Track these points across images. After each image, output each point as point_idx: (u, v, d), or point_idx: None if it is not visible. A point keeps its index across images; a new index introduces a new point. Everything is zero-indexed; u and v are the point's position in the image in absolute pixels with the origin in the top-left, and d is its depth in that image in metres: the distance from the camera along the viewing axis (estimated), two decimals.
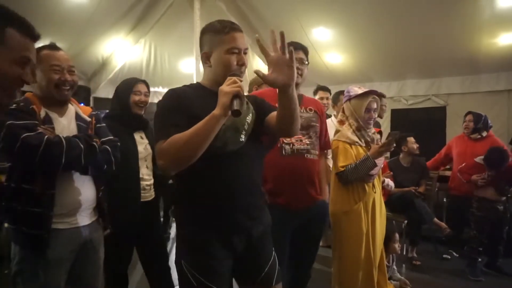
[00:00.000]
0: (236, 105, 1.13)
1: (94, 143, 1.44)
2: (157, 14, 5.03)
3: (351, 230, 1.99)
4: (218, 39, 1.27)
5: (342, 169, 1.99)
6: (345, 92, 2.23)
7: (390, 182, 2.90)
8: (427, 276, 3.07)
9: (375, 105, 2.10)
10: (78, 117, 1.53)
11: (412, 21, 4.80)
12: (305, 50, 1.85)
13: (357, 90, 2.15)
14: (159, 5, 4.99)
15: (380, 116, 3.23)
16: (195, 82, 4.90)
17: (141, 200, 1.92)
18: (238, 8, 5.43)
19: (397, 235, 2.60)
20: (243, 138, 1.29)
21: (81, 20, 4.32)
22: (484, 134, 3.48)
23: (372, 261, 2.01)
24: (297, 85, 1.70)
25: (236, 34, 1.27)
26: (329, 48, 5.66)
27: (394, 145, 2.04)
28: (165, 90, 7.53)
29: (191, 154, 1.15)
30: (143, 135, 2.04)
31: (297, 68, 1.63)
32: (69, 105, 1.53)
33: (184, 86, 1.37)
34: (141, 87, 2.03)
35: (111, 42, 5.26)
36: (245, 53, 1.30)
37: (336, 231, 2.07)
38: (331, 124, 3.04)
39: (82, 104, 1.69)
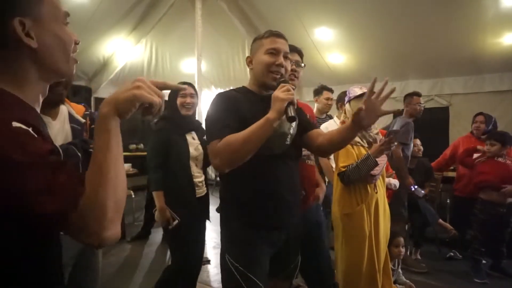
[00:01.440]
0: (291, 112, 1.24)
1: (92, 150, 1.40)
2: (158, 14, 5.02)
3: (353, 232, 1.96)
4: (259, 43, 1.43)
5: (344, 169, 1.97)
6: (346, 93, 2.22)
7: (393, 181, 2.85)
8: (432, 279, 3.03)
9: None
10: (71, 118, 1.46)
11: (415, 20, 4.76)
12: (300, 53, 1.86)
13: (356, 91, 2.14)
14: (161, 5, 4.99)
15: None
16: (196, 81, 4.92)
17: (197, 196, 2.07)
18: (239, 8, 5.41)
19: (401, 239, 2.57)
20: (288, 141, 1.40)
21: (82, 19, 4.30)
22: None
23: (375, 263, 1.98)
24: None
25: (276, 38, 1.40)
26: (332, 48, 5.63)
27: (396, 143, 2.01)
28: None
29: (245, 154, 1.24)
30: (195, 136, 2.16)
31: (293, 70, 1.73)
32: (61, 105, 1.45)
33: (232, 90, 1.48)
34: (188, 89, 2.12)
35: (112, 42, 5.25)
36: (285, 57, 1.40)
37: (338, 232, 2.04)
38: (334, 125, 3.01)
39: (82, 104, 1.67)
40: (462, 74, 5.58)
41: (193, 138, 2.13)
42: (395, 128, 3.31)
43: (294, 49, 1.78)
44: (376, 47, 5.41)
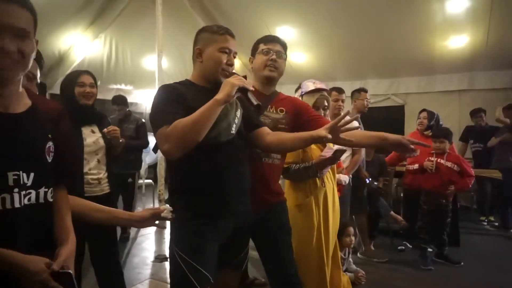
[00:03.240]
0: (253, 99, 1.31)
1: None
2: (117, 8, 4.90)
3: (302, 223, 2.02)
4: (213, 38, 1.42)
5: (286, 165, 1.99)
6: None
7: (343, 177, 2.96)
8: (384, 268, 3.19)
9: (325, 103, 2.13)
10: None
11: (373, 23, 4.96)
12: (283, 44, 1.75)
13: (309, 85, 2.17)
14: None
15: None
16: (156, 78, 4.83)
17: (87, 194, 1.88)
18: (202, 4, 5.38)
19: (351, 229, 2.68)
20: (233, 130, 1.40)
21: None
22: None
23: (323, 253, 2.05)
24: (273, 79, 1.71)
25: (230, 37, 1.44)
26: (294, 47, 5.73)
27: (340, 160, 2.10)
28: (128, 87, 7.36)
29: (195, 137, 1.25)
30: (96, 129, 2.01)
31: (274, 61, 1.67)
32: None
33: (175, 83, 1.45)
34: (85, 78, 1.99)
35: (68, 36, 5.06)
36: (234, 56, 1.45)
37: (291, 224, 2.10)
38: None
39: None
40: (416, 75, 5.88)
41: (93, 131, 1.99)
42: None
43: (277, 40, 1.73)
44: (337, 47, 5.57)
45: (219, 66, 1.40)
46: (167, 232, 4.02)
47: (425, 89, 5.84)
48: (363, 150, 3.21)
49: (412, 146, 1.38)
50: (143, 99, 7.29)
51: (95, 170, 1.96)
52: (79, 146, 1.90)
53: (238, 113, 1.45)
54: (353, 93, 3.69)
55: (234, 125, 1.41)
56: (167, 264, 3.17)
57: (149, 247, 3.74)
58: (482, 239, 4.12)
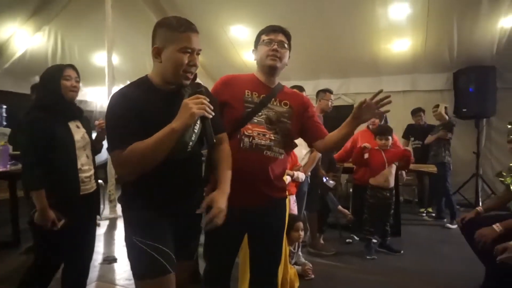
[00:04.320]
0: (210, 132, 1.29)
1: None
2: (62, 0, 4.65)
3: None
4: (173, 36, 1.28)
5: None
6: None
7: (300, 175, 3.06)
8: (333, 260, 3.34)
9: None
10: None
11: (324, 25, 5.16)
12: (286, 33, 1.67)
13: None
14: None
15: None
16: (106, 75, 4.66)
17: (82, 193, 1.88)
18: (155, 0, 5.28)
19: (300, 224, 2.78)
20: (189, 148, 1.37)
21: None
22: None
23: None
24: (275, 68, 1.63)
25: (192, 34, 1.30)
26: (248, 46, 5.79)
27: None
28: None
29: (151, 163, 1.24)
30: (79, 124, 1.97)
31: (275, 51, 1.60)
32: None
33: (131, 86, 1.35)
34: (71, 72, 1.93)
35: (5, 27, 4.72)
36: (197, 54, 1.33)
37: None
38: None
39: None
40: (365, 75, 6.19)
41: (78, 127, 1.95)
42: None
43: (279, 30, 1.65)
44: (291, 47, 5.71)
45: (180, 68, 1.28)
46: (117, 234, 3.93)
47: (373, 89, 6.00)
48: None
49: (374, 100, 1.46)
50: (93, 97, 6.99)
51: (86, 166, 1.92)
52: (70, 142, 1.86)
53: (197, 127, 1.38)
54: (318, 93, 3.86)
55: (191, 144, 1.37)
56: (116, 266, 3.09)
57: (97, 249, 3.60)
58: (421, 229, 4.45)
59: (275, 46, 1.60)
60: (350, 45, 5.47)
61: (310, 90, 6.25)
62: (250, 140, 1.57)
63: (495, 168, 5.33)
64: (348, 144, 4.33)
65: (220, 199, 1.36)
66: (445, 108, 4.79)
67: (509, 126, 2.53)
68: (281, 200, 1.73)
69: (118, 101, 1.29)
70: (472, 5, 4.41)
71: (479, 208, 2.64)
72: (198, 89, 1.32)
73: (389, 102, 1.46)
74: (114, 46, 4.67)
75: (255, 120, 1.59)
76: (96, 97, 6.90)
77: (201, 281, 1.78)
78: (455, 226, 4.19)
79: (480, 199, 5.29)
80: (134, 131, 1.24)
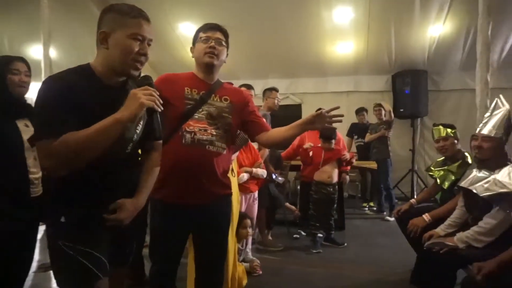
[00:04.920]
0: (156, 122, 1.20)
1: None
2: None
3: None
4: (122, 21, 1.18)
5: None
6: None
7: (260, 171, 3.08)
8: (281, 255, 3.43)
9: None
10: None
11: (272, 24, 5.25)
12: (223, 31, 1.67)
13: None
14: None
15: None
16: (43, 70, 4.33)
17: (32, 195, 1.72)
18: None
19: (248, 221, 2.81)
20: (129, 149, 1.29)
21: None
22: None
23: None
24: (212, 66, 1.62)
25: (143, 21, 1.21)
26: None
27: None
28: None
29: (88, 157, 1.11)
30: (28, 123, 1.76)
31: (213, 48, 1.59)
32: None
33: (69, 71, 1.19)
34: (20, 66, 1.77)
35: None
36: (149, 44, 1.24)
37: None
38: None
39: None
40: (312, 76, 6.40)
41: (26, 125, 1.79)
42: None
43: (216, 28, 1.65)
44: (239, 45, 5.68)
45: (129, 56, 1.18)
46: None
47: (319, 89, 6.40)
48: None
49: (329, 113, 1.49)
50: (27, 93, 6.47)
51: (35, 169, 1.74)
52: (18, 142, 1.67)
53: (139, 128, 1.30)
54: (264, 91, 3.89)
55: (131, 144, 1.29)
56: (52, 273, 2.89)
57: None
58: (363, 222, 4.73)
59: (212, 44, 1.61)
60: (298, 46, 5.62)
61: (259, 89, 6.32)
62: (192, 136, 1.56)
63: (428, 164, 5.78)
64: (295, 142, 4.44)
65: (127, 209, 1.28)
66: (384, 109, 5.15)
67: (434, 127, 2.76)
68: (226, 196, 1.74)
69: (53, 85, 1.14)
70: (406, 13, 4.76)
71: (412, 201, 2.86)
72: (147, 81, 1.25)
73: (340, 121, 1.52)
74: (51, 38, 4.35)
75: (196, 116, 1.58)
76: (30, 93, 6.39)
77: (146, 283, 1.73)
78: (393, 219, 4.49)
79: (415, 192, 5.72)
80: (69, 120, 1.10)
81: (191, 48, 1.71)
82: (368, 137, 5.16)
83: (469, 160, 2.51)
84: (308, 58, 5.87)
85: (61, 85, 1.13)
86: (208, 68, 1.64)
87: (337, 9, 4.78)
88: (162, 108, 1.21)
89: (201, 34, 1.65)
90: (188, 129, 1.56)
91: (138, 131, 1.30)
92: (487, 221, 1.97)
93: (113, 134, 1.11)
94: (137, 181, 1.38)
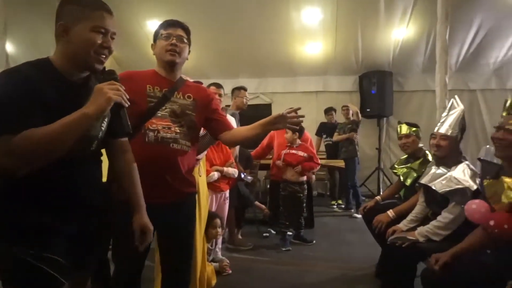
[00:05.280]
0: (125, 121, 1.19)
1: None
2: None
3: None
4: (84, 13, 1.14)
5: None
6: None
7: (231, 170, 3.06)
8: (252, 254, 3.44)
9: None
10: None
11: (243, 24, 5.25)
12: (185, 29, 1.64)
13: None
14: None
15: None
16: (4, 66, 4.07)
17: None
18: None
19: (218, 220, 2.79)
20: (94, 147, 1.26)
21: None
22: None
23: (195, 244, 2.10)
24: (174, 64, 1.59)
25: (106, 14, 1.18)
26: None
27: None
28: None
29: (51, 155, 1.06)
30: None
31: (174, 45, 1.55)
32: None
33: (29, 65, 1.12)
34: None
35: None
36: (112, 38, 1.20)
37: None
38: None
39: None
40: (281, 76, 6.46)
41: None
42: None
43: (177, 25, 1.61)
44: (209, 44, 5.68)
45: (91, 49, 1.14)
46: None
47: (289, 89, 6.48)
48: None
49: (291, 114, 1.53)
50: None
51: None
52: None
53: (104, 124, 1.27)
54: (233, 90, 3.87)
55: (96, 142, 1.26)
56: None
57: None
58: (331, 220, 4.82)
59: (174, 41, 1.58)
60: (268, 46, 5.66)
61: (228, 89, 6.35)
62: (155, 134, 1.53)
63: (393, 162, 6.01)
64: (264, 141, 4.48)
65: (146, 219, 1.38)
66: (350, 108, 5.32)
67: (398, 125, 2.87)
68: (191, 195, 1.72)
69: (9, 79, 1.07)
70: (372, 16, 4.91)
71: (378, 198, 2.96)
72: (113, 76, 1.22)
73: (300, 122, 1.58)
74: (7, 31, 4.12)
75: (159, 114, 1.56)
76: None
77: (111, 285, 1.69)
78: (360, 216, 4.61)
79: (381, 190, 5.91)
80: (29, 116, 1.04)
81: (152, 45, 1.67)
82: (336, 136, 5.28)
83: (430, 158, 2.63)
84: (278, 58, 5.92)
85: (18, 78, 1.07)
86: (170, 66, 1.61)
87: (306, 9, 4.85)
88: (129, 104, 1.19)
89: (162, 31, 1.61)
90: (151, 127, 1.53)
91: (103, 128, 1.26)
92: (444, 216, 2.07)
93: (80, 129, 1.08)
94: (101, 178, 1.37)
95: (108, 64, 1.30)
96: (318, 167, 3.87)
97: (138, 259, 1.63)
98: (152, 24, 5.24)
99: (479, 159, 2.24)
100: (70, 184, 1.21)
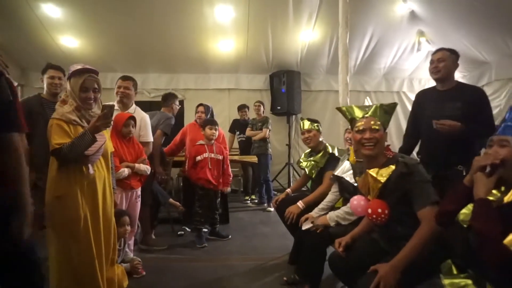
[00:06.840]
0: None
1: None
2: None
3: (65, 216, 1.84)
4: None
5: (58, 146, 1.83)
6: None
7: (143, 167, 2.89)
8: (167, 253, 3.32)
9: (95, 85, 2.01)
10: None
11: (153, 19, 5.00)
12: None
13: (76, 67, 2.01)
14: None
15: None
16: None
17: None
18: None
19: (126, 218, 2.63)
20: None
21: None
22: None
23: (92, 248, 1.92)
24: None
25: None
26: (64, 30, 5.07)
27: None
28: None
29: None
30: None
31: None
32: None
33: None
34: None
35: None
36: None
37: (49, 219, 1.87)
38: None
39: None
40: (193, 72, 6.36)
41: None
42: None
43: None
44: (114, 37, 5.31)
45: None
46: None
47: (202, 86, 6.41)
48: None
49: None
50: None
51: None
52: None
53: None
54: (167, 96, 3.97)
55: None
56: None
57: None
58: (246, 214, 4.93)
59: None
60: (179, 41, 5.50)
61: (139, 83, 6.03)
62: None
63: None
64: (177, 137, 4.36)
65: None
66: (263, 105, 5.51)
67: (300, 121, 3.05)
68: None
69: None
70: (281, 17, 5.13)
71: (288, 190, 3.12)
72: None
73: None
74: None
75: None
76: None
77: None
78: (273, 209, 4.81)
79: (291, 184, 6.24)
80: None
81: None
82: (249, 132, 5.41)
83: (330, 150, 2.85)
84: (190, 53, 5.81)
85: None
86: None
87: (219, 6, 4.84)
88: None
89: None
90: None
91: None
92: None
93: None
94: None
95: None
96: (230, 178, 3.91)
97: None
98: (47, 8, 4.66)
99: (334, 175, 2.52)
100: None
